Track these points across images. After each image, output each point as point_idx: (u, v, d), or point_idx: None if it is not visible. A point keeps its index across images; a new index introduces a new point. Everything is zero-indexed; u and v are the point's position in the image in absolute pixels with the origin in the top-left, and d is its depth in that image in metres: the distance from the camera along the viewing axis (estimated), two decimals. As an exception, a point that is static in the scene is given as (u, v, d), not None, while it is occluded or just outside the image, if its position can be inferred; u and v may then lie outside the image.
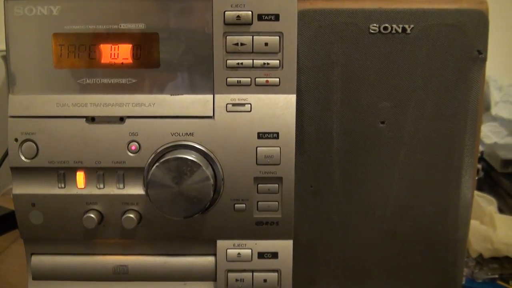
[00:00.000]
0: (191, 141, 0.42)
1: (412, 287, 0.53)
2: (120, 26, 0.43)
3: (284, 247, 0.45)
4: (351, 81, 0.49)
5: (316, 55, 0.49)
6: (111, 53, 0.43)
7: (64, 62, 0.43)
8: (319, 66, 0.49)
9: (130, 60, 0.43)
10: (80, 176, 0.44)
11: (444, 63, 0.48)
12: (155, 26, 0.42)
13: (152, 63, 0.43)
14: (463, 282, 0.58)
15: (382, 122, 0.50)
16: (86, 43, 0.43)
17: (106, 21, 0.43)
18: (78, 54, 0.43)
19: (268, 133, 0.42)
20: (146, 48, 0.43)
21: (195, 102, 0.43)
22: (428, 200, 0.51)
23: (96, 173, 0.44)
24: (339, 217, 0.52)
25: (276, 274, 0.45)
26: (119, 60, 0.43)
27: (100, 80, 0.44)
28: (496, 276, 0.58)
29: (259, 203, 0.43)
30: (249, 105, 0.42)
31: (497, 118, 0.75)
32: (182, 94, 0.43)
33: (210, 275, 0.45)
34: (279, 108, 0.43)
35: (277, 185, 0.43)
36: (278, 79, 0.43)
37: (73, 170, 0.44)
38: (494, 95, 0.74)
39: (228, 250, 0.45)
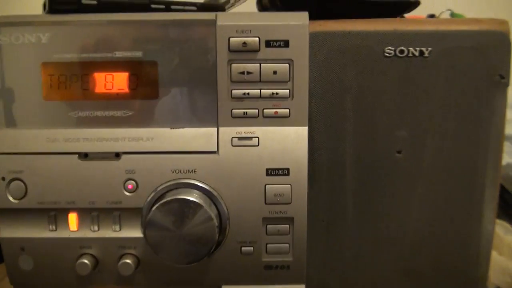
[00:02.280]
0: (193, 179, 0.39)
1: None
2: (115, 54, 0.39)
3: (296, 292, 0.41)
4: (365, 108, 0.46)
5: (327, 80, 0.46)
6: (105, 83, 0.40)
7: (54, 93, 0.40)
8: (330, 92, 0.46)
9: (126, 90, 0.40)
10: (73, 217, 0.40)
11: (464, 88, 0.45)
12: (153, 54, 0.39)
13: (150, 93, 0.39)
14: (484, 319, 0.54)
15: (399, 152, 0.46)
16: (78, 72, 0.40)
17: (99, 49, 0.39)
18: (69, 85, 0.40)
19: (278, 169, 0.39)
20: (144, 78, 0.39)
21: (197, 136, 0.39)
22: (448, 236, 0.47)
23: (90, 214, 0.40)
24: (352, 253, 0.49)
25: (287, 321, 0.41)
26: (114, 90, 0.40)
27: (94, 113, 0.40)
28: (517, 310, 0.54)
29: (268, 245, 0.40)
30: (257, 138, 0.39)
31: (510, 138, 0.71)
32: (183, 127, 0.39)
33: (214, 323, 0.41)
34: (289, 141, 0.39)
35: (287, 225, 0.39)
36: (288, 110, 0.39)
37: (65, 211, 0.40)
38: (507, 113, 0.71)
39: (234, 297, 0.41)
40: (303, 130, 0.39)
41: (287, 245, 0.40)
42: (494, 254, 0.56)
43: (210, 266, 0.40)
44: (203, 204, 0.37)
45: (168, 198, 0.37)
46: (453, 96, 0.45)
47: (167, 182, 0.39)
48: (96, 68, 0.40)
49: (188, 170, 0.39)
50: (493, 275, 0.55)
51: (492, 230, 0.47)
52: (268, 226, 0.39)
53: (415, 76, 0.45)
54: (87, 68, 0.40)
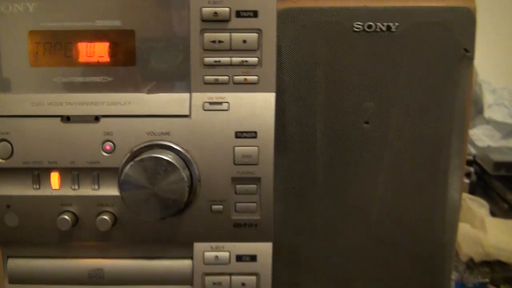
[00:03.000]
0: (167, 141, 0.41)
1: (399, 292, 0.52)
2: (96, 23, 0.42)
3: (264, 250, 0.44)
4: (335, 81, 0.48)
5: (299, 55, 0.48)
6: (87, 51, 0.43)
7: (40, 60, 0.43)
8: (302, 66, 0.48)
9: (106, 58, 0.42)
10: (55, 176, 0.43)
11: (430, 62, 0.47)
12: (131, 23, 0.42)
13: (128, 61, 0.42)
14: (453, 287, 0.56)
15: (366, 122, 0.48)
16: (62, 41, 0.42)
17: (82, 18, 0.42)
18: (54, 52, 0.43)
19: (246, 132, 0.41)
20: (122, 46, 0.42)
21: (171, 101, 0.42)
22: (415, 203, 0.49)
23: (71, 173, 0.43)
24: (323, 221, 0.51)
25: (254, 277, 0.43)
26: (95, 58, 0.42)
27: (76, 79, 0.43)
28: (487, 280, 0.56)
29: (237, 204, 0.42)
30: (227, 103, 0.41)
31: (490, 121, 0.73)
32: (158, 92, 0.42)
33: (187, 279, 0.44)
34: (258, 106, 0.41)
35: (255, 185, 0.42)
36: (257, 77, 0.42)
37: (47, 171, 0.43)
38: (487, 98, 0.73)
39: (205, 253, 0.43)
40: (271, 96, 0.42)
41: (255, 204, 0.42)
42: (468, 227, 0.59)
43: (183, 224, 0.43)
44: (175, 163, 0.39)
45: (142, 156, 0.40)
46: (419, 70, 0.47)
47: (142, 143, 0.41)
48: (78, 37, 0.42)
49: (162, 132, 0.41)
50: (466, 247, 0.57)
51: (459, 199, 0.49)
52: (237, 186, 0.42)
53: (382, 51, 0.47)
54: (70, 36, 0.42)
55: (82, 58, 0.43)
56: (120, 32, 0.42)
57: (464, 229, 0.59)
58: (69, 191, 0.43)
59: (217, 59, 0.41)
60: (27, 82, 0.43)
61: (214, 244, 0.44)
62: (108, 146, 0.42)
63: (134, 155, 0.41)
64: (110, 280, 0.45)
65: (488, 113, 0.73)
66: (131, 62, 0.42)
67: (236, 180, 0.42)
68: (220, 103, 0.41)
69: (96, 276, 0.44)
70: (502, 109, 0.72)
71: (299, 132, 0.49)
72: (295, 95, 0.49)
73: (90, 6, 0.42)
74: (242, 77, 0.41)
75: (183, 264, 0.44)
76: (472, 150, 0.75)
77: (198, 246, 0.44)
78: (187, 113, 0.42)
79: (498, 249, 0.55)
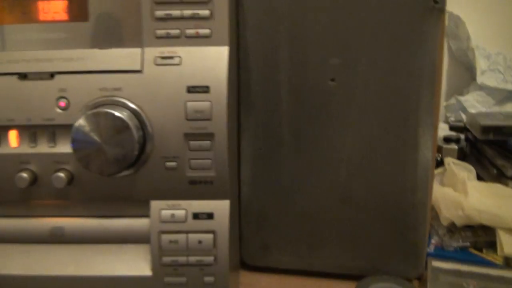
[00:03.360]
0: (119, 96, 0.41)
1: (370, 253, 0.51)
2: (48, -22, 0.41)
3: (220, 207, 0.43)
4: (298, 37, 0.47)
5: (261, 10, 0.47)
6: (43, 8, 0.42)
7: (-3, 18, 0.43)
8: (265, 22, 0.47)
9: (60, 14, 0.42)
10: (13, 134, 0.43)
11: (395, 14, 0.45)
12: (82, -22, 0.41)
13: (81, 16, 0.42)
14: (431, 251, 0.54)
15: (332, 80, 0.47)
16: (17, -2, 0.42)
17: (34, -25, 0.41)
18: (11, 10, 0.42)
19: (198, 86, 0.40)
20: (75, 2, 0.42)
21: (123, 56, 0.41)
22: (384, 162, 0.48)
23: (29, 131, 0.43)
24: (290, 181, 0.50)
25: (211, 235, 0.43)
26: (50, 16, 0.42)
27: (33, 36, 0.43)
28: (468, 244, 0.54)
29: (192, 161, 0.41)
30: (179, 58, 0.41)
31: (483, 87, 0.71)
32: (111, 48, 0.42)
33: (145, 237, 0.43)
34: (210, 60, 0.41)
35: (209, 141, 0.41)
36: (209, 30, 0.41)
37: (6, 129, 0.43)
38: (481, 64, 0.70)
39: (161, 211, 0.43)
40: (224, 50, 0.41)
41: (209, 160, 0.41)
42: (450, 191, 0.57)
43: (138, 181, 0.42)
44: (124, 118, 0.39)
45: (91, 111, 0.39)
46: (384, 23, 0.45)
47: (95, 99, 0.41)
48: (33, -6, 0.42)
49: (115, 88, 0.41)
50: (446, 210, 0.55)
51: (432, 158, 0.48)
52: (190, 142, 0.41)
53: (346, 4, 0.45)
54: (25, -6, 0.42)
55: (38, 15, 0.42)
56: (71, -13, 0.41)
57: (445, 193, 0.57)
58: (27, 149, 0.43)
59: (168, 12, 0.40)
60: (-15, 41, 0.43)
61: (170, 202, 0.43)
62: (62, 103, 0.42)
63: (85, 111, 0.41)
64: (70, 238, 0.45)
65: (481, 79, 0.70)
66: (84, 18, 0.42)
67: (189, 136, 0.41)
68: (172, 57, 0.41)
69: (57, 235, 0.45)
70: (496, 75, 0.69)
71: (264, 90, 0.48)
72: (260, 53, 0.48)
73: (41, -38, 0.41)
74: (194, 31, 0.41)
75: (141, 222, 0.44)
76: (464, 117, 0.72)
77: (154, 204, 0.43)
78: (139, 68, 0.41)
79: (479, 211, 0.53)
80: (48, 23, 0.42)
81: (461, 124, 0.68)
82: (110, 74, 0.41)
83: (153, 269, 0.43)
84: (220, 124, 0.41)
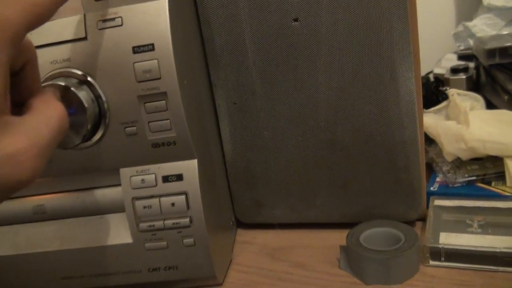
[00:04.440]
0: (68, 67, 0.40)
1: (365, 198, 0.48)
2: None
3: (188, 167, 0.42)
4: (253, -21, 0.44)
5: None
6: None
7: None
8: (218, -33, 0.44)
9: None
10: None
11: None
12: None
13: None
14: (435, 189, 0.51)
15: (296, 20, 0.44)
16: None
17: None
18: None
19: (143, 46, 0.39)
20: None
21: (68, 25, 0.40)
22: (363, 100, 0.45)
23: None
24: (271, 132, 0.48)
25: (183, 196, 0.42)
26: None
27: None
28: (474, 178, 0.50)
29: (150, 124, 0.40)
30: (120, 18, 0.39)
31: (491, 8, 0.64)
32: (54, 18, 0.40)
33: (121, 206, 0.43)
34: (150, 16, 0.39)
35: (163, 101, 0.40)
36: (146, -16, 0.39)
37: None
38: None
39: (131, 178, 0.42)
40: (163, 2, 0.39)
41: (168, 121, 0.40)
42: (451, 124, 0.53)
43: (103, 151, 0.42)
44: (73, 88, 0.38)
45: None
46: None
47: (48, 73, 0.40)
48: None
49: (64, 59, 0.40)
50: (449, 145, 0.52)
51: (416, 90, 0.44)
52: (146, 104, 0.40)
53: None
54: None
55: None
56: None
57: (447, 126, 0.53)
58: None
59: (102, -28, 0.39)
60: None
61: (139, 168, 0.43)
62: (17, 81, 0.41)
63: (38, 86, 0.40)
64: (52, 214, 0.45)
65: (493, 1, 0.64)
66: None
67: (142, 98, 0.40)
68: (113, 19, 0.39)
69: (39, 212, 0.45)
70: (504, -6, 0.62)
71: (227, 42, 0.46)
72: (217, 3, 0.45)
73: None
74: (131, -13, 0.39)
75: (115, 191, 0.44)
76: (471, 43, 0.66)
77: (124, 172, 0.43)
78: (83, 35, 0.40)
79: (483, 141, 0.48)
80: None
81: (469, 52, 0.63)
82: (58, 46, 0.40)
83: (133, 235, 0.43)
84: (170, 81, 0.39)
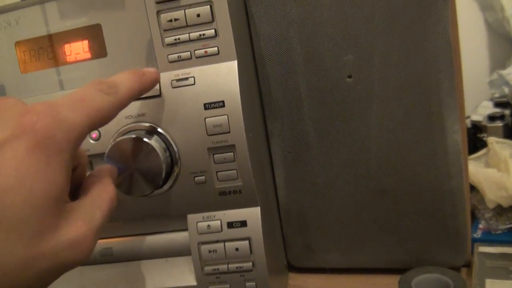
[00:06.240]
0: (143, 122, 0.44)
1: (413, 245, 0.50)
2: (67, 23, 0.45)
3: (252, 214, 0.45)
4: (310, 38, 0.48)
5: (272, 18, 0.48)
6: (64, 51, 0.46)
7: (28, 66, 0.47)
8: (275, 29, 0.48)
9: (81, 54, 0.45)
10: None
11: (402, 1, 0.45)
12: (96, 18, 0.44)
13: (100, 53, 0.45)
14: (479, 236, 0.53)
15: (349, 76, 0.47)
16: (43, 45, 0.46)
17: (53, 23, 0.45)
18: (38, 57, 0.47)
19: (214, 102, 0.42)
20: (92, 40, 0.45)
21: (143, 84, 0.44)
22: (412, 150, 0.48)
23: (69, 164, 0.46)
24: (323, 180, 0.51)
25: (247, 242, 0.44)
26: (72, 57, 0.46)
27: (61, 77, 0.46)
28: (516, 224, 0.52)
29: (218, 173, 0.44)
30: (192, 78, 0.43)
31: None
32: (131, 77, 0.44)
33: (186, 250, 0.46)
34: (221, 76, 0.42)
35: (231, 153, 0.43)
36: (216, 48, 0.42)
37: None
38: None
39: (198, 223, 0.45)
40: (233, 64, 0.42)
41: (235, 171, 0.43)
42: (492, 172, 0.55)
43: (173, 198, 0.45)
44: (149, 141, 0.42)
45: (117, 139, 0.42)
46: (393, 10, 0.45)
47: (122, 127, 0.44)
48: (55, 40, 0.46)
49: (138, 114, 0.44)
50: (491, 193, 0.54)
51: (462, 141, 0.47)
52: (215, 155, 0.43)
53: (353, -2, 0.46)
54: (48, 41, 0.46)
55: (63, 58, 0.46)
56: (88, 28, 0.44)
57: (489, 174, 0.55)
58: (71, 181, 0.47)
59: (176, 37, 0.43)
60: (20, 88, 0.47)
61: (205, 214, 0.45)
62: (94, 134, 0.45)
63: (114, 139, 0.44)
64: (119, 256, 0.48)
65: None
66: (103, 54, 0.45)
67: (212, 150, 0.43)
68: (186, 78, 0.43)
69: (107, 255, 0.48)
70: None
71: (285, 95, 0.50)
72: (275, 60, 0.49)
73: (60, 11, 0.45)
74: (202, 50, 0.43)
75: (181, 236, 0.47)
76: (506, 90, 0.69)
77: (191, 218, 0.46)
78: (157, 93, 0.43)
79: (524, 189, 0.51)
80: (70, 64, 0.46)
81: (505, 99, 0.66)
82: (133, 103, 0.44)
83: (197, 278, 0.46)
84: (238, 135, 0.42)
